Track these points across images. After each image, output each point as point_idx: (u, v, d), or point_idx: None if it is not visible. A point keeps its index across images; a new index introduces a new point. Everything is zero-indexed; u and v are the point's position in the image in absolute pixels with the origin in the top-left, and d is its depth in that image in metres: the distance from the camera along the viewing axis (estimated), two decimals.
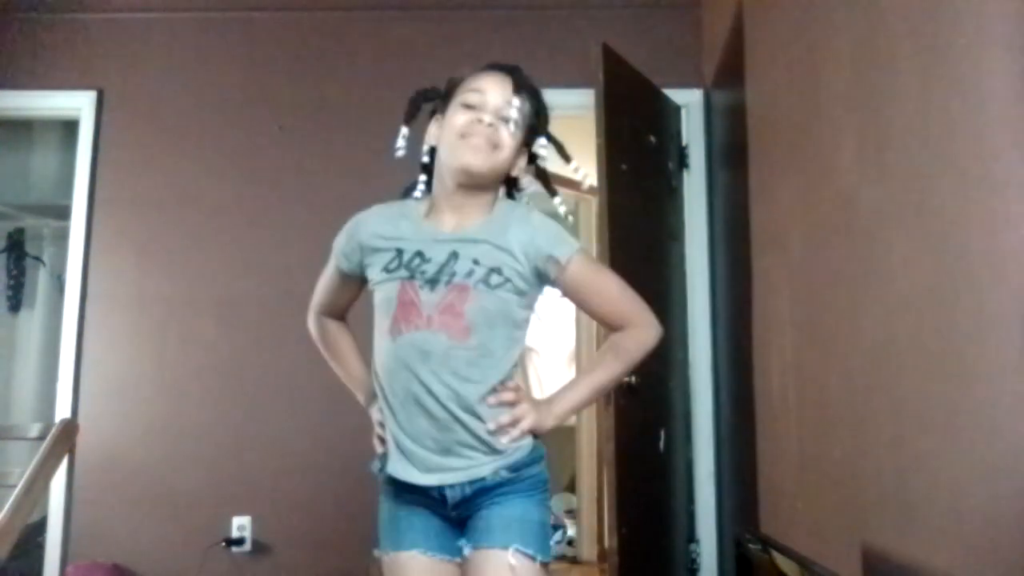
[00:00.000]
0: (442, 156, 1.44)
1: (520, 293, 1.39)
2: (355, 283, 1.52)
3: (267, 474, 3.20)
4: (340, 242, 1.52)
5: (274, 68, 3.46)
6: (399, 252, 1.41)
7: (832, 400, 1.90)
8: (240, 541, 3.13)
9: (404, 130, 1.48)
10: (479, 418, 1.36)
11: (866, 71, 1.71)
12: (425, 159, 1.50)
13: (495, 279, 1.37)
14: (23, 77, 3.42)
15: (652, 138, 3.09)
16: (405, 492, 1.41)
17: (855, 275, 1.76)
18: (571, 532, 4.68)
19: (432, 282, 1.37)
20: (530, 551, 1.35)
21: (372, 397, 1.49)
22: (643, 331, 1.46)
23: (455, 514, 1.40)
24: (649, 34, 3.38)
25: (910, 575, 1.47)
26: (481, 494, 1.37)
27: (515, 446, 1.39)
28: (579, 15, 3.43)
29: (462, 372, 1.36)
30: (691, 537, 3.11)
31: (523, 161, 1.48)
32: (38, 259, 4.18)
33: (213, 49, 3.48)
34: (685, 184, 3.31)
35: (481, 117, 1.39)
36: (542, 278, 1.41)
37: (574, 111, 3.20)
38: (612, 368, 1.49)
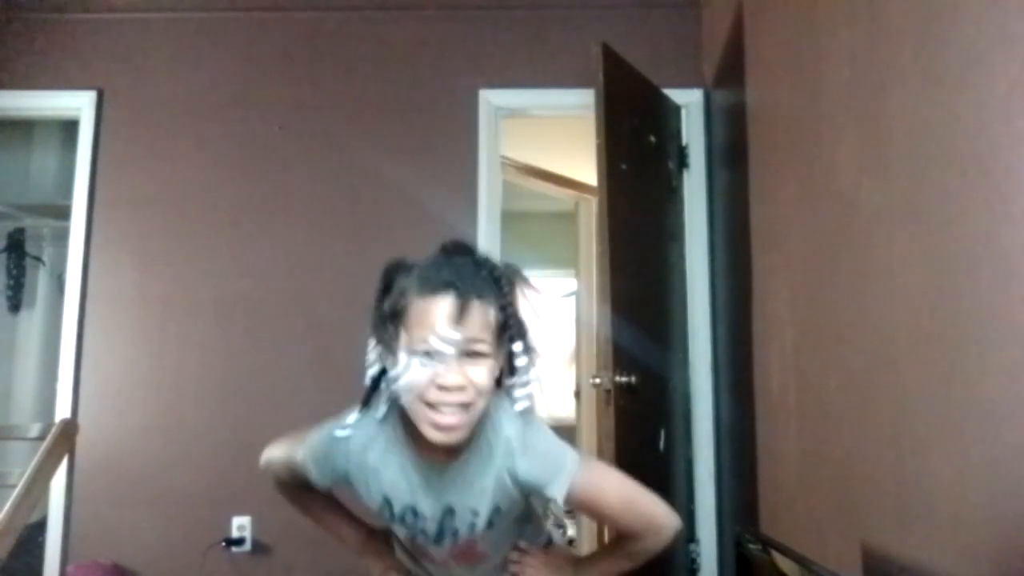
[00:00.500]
0: (406, 407, 1.18)
1: (523, 509, 1.35)
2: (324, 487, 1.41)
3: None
4: (314, 462, 1.35)
5: (274, 68, 3.46)
6: (387, 502, 1.28)
7: (832, 400, 1.90)
8: (240, 541, 3.13)
9: (372, 343, 1.23)
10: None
11: (866, 71, 1.71)
12: (369, 380, 1.25)
13: (498, 519, 1.29)
14: (23, 77, 3.42)
15: (652, 138, 3.10)
16: None
17: (855, 275, 1.76)
18: (571, 532, 4.68)
19: (436, 541, 1.31)
20: None
21: (366, 547, 1.55)
22: (656, 537, 1.30)
23: None
24: (649, 34, 3.39)
25: (910, 575, 1.47)
26: None
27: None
28: (579, 15, 3.43)
29: (487, 567, 1.40)
30: (691, 537, 3.11)
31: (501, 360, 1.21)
32: (38, 259, 4.18)
33: (213, 49, 3.48)
34: (685, 184, 3.31)
35: (444, 383, 1.12)
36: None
37: (574, 111, 3.22)
38: (624, 564, 1.38)
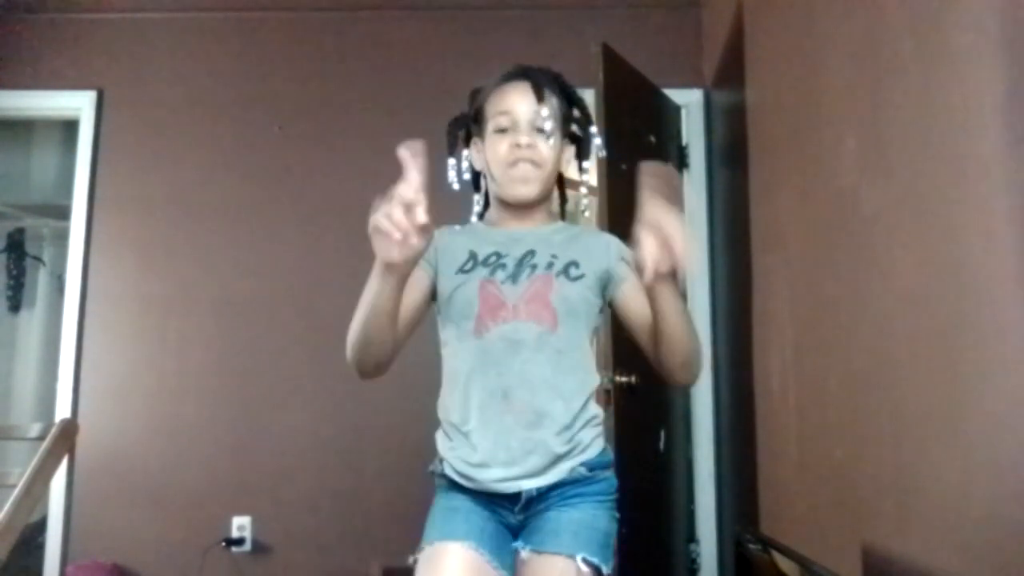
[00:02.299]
0: (493, 184, 1.46)
1: (594, 292, 1.41)
2: (422, 284, 1.40)
3: (267, 474, 3.20)
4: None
5: (274, 68, 3.46)
6: (473, 254, 1.42)
7: (832, 400, 1.90)
8: (240, 541, 3.13)
9: (451, 161, 1.50)
10: (568, 410, 1.34)
11: (866, 71, 1.71)
12: (469, 177, 1.53)
13: (574, 271, 1.39)
14: (23, 77, 3.42)
15: (652, 138, 3.09)
16: (470, 491, 1.36)
17: (855, 275, 1.76)
18: None
19: (513, 276, 1.38)
20: (596, 560, 1.30)
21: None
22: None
23: (521, 517, 1.35)
24: (649, 34, 3.39)
25: (910, 575, 1.47)
26: (553, 492, 1.34)
27: (591, 441, 1.37)
28: (579, 15, 3.43)
29: (553, 360, 1.34)
30: (691, 537, 3.11)
31: (569, 153, 1.51)
32: (38, 259, 4.19)
33: (213, 49, 3.48)
34: (685, 184, 3.30)
35: (519, 141, 1.41)
36: (606, 286, 1.42)
37: None
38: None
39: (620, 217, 2.71)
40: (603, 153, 1.54)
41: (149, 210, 3.36)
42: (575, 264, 1.40)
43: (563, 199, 1.57)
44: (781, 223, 2.33)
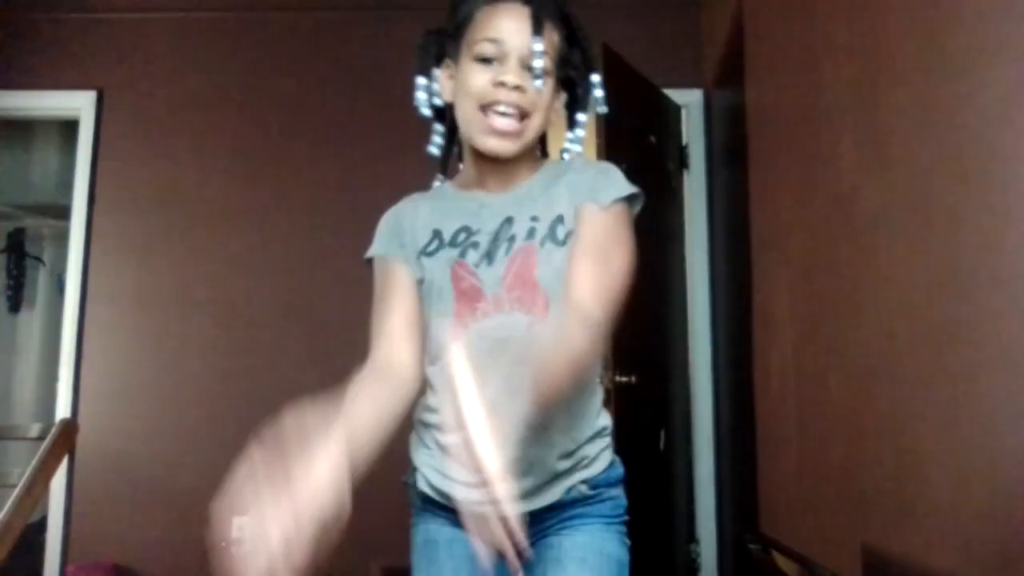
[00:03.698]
0: (463, 123, 1.17)
1: None
2: (409, 281, 1.18)
3: None
4: (379, 234, 1.22)
5: (274, 68, 3.46)
6: (437, 233, 1.17)
7: (832, 400, 1.90)
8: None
9: (421, 81, 1.22)
10: (569, 421, 1.11)
11: (866, 71, 1.71)
12: (432, 107, 1.23)
13: (561, 231, 1.13)
14: (23, 77, 3.42)
15: (652, 138, 3.10)
16: (450, 512, 1.11)
17: (855, 275, 1.76)
18: None
19: (489, 255, 1.13)
20: None
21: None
22: (573, 327, 1.03)
23: None
24: (649, 34, 3.39)
25: (910, 575, 1.47)
26: (552, 514, 1.12)
27: (597, 454, 1.14)
28: (579, 15, 3.43)
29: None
30: (691, 537, 3.11)
31: (560, 102, 1.24)
32: (38, 259, 4.19)
33: (213, 49, 3.48)
34: (685, 184, 3.31)
35: (503, 79, 1.11)
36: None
37: None
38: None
39: None
40: (604, 108, 1.26)
41: (149, 210, 3.36)
42: (560, 220, 1.13)
43: (544, 155, 1.29)
44: (781, 223, 2.33)
